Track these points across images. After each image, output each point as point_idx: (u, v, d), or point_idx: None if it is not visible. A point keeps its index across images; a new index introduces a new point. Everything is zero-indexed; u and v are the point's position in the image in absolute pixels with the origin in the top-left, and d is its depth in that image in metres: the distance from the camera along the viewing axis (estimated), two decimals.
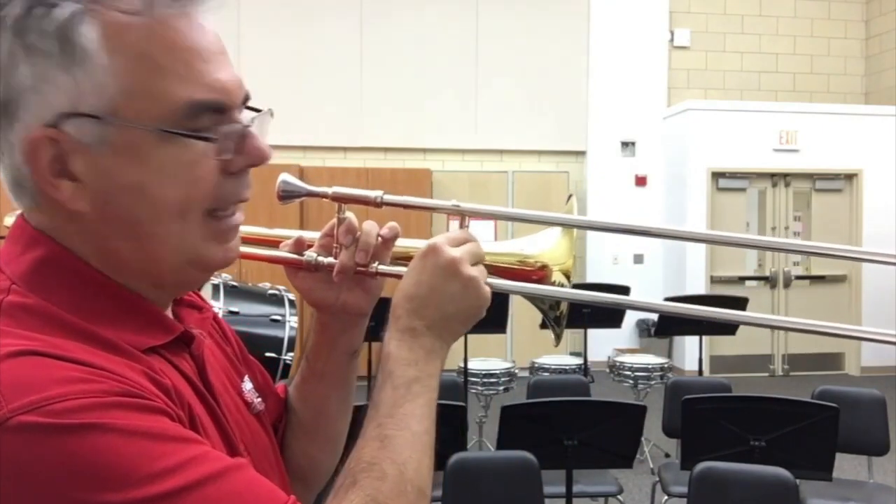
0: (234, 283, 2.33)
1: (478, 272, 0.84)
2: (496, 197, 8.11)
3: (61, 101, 0.67)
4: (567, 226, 0.97)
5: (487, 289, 0.85)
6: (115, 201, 0.69)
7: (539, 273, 0.95)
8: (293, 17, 7.96)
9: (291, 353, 2.19)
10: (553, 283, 0.96)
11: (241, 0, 7.34)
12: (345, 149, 8.18)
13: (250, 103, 0.77)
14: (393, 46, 8.19)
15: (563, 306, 0.98)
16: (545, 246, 0.97)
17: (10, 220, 1.08)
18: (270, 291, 2.34)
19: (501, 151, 8.48)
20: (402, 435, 0.74)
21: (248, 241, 0.97)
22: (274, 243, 0.96)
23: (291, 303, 2.29)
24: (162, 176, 0.69)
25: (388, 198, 0.91)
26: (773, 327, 0.95)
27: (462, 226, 0.91)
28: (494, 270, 0.94)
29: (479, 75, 8.33)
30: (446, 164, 8.31)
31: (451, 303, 0.83)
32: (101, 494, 0.57)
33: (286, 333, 2.21)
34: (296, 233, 0.96)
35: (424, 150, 8.30)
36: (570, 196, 1.05)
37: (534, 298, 0.96)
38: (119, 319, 0.70)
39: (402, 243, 0.95)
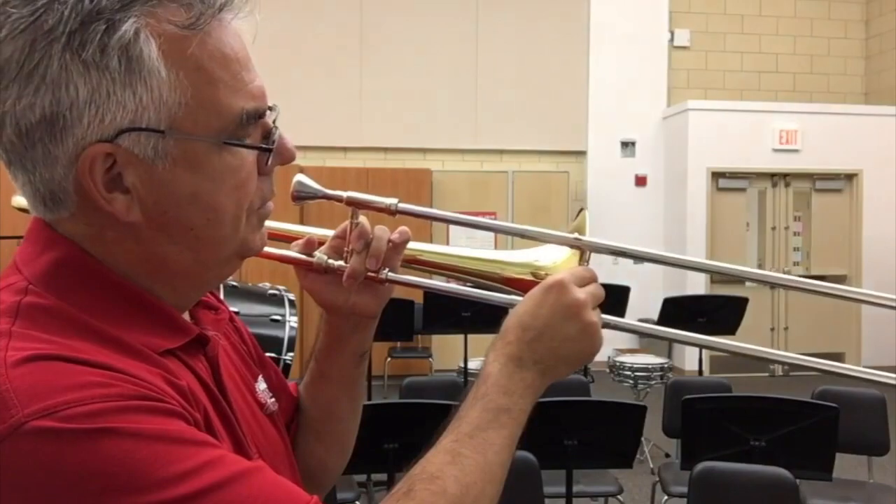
0: (234, 283, 2.33)
1: (597, 317, 0.84)
2: (496, 197, 8.11)
3: (122, 116, 0.66)
4: (666, 264, 0.96)
5: (602, 335, 0.84)
6: (171, 210, 0.70)
7: None
8: (293, 16, 7.96)
9: (291, 353, 2.19)
10: None
11: None
12: (345, 149, 8.18)
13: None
14: (393, 47, 8.19)
15: None
16: (557, 257, 0.94)
17: (17, 201, 1.07)
18: (270, 291, 2.34)
19: (501, 151, 8.48)
20: (476, 459, 0.73)
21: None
22: (285, 237, 0.96)
23: (291, 303, 2.29)
24: (216, 184, 0.71)
25: (404, 206, 0.91)
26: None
27: (582, 262, 0.90)
28: (505, 281, 0.94)
29: (479, 75, 8.34)
30: (446, 164, 8.31)
31: (565, 344, 0.82)
32: (116, 499, 0.56)
33: (286, 333, 2.20)
34: (306, 229, 0.96)
35: (424, 150, 8.30)
36: (580, 210, 1.03)
37: None
38: (135, 322, 0.70)
39: (419, 247, 0.95)
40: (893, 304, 0.88)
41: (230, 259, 0.77)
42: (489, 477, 0.73)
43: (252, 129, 0.73)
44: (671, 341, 0.93)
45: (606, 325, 0.86)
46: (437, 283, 0.94)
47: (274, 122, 0.76)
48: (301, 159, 7.84)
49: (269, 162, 0.75)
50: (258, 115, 0.72)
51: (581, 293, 0.83)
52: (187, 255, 0.73)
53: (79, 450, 0.56)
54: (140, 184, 0.68)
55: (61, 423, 0.56)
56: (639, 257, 0.97)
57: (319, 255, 0.90)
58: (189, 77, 0.67)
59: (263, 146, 0.74)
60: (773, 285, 0.97)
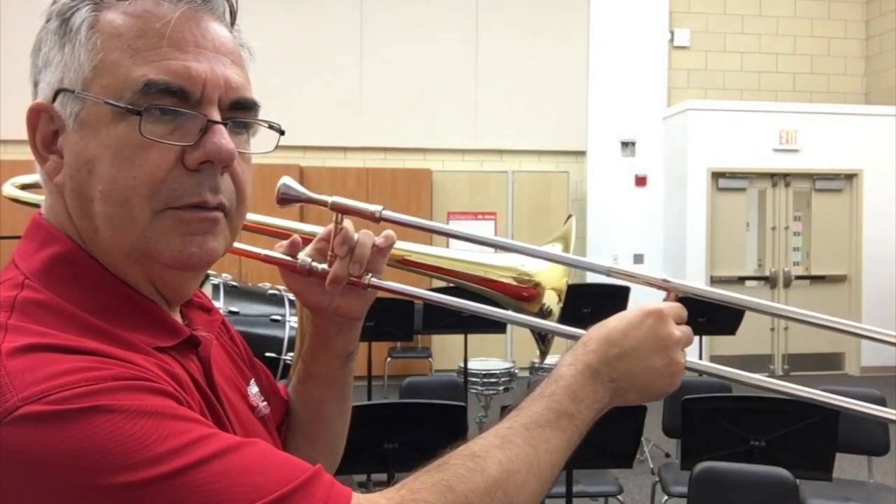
0: (234, 283, 2.33)
1: (683, 359, 0.83)
2: (496, 197, 8.10)
3: (57, 78, 0.71)
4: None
5: (681, 379, 0.83)
6: (76, 176, 0.71)
7: (531, 291, 0.95)
8: (293, 17, 7.96)
9: (291, 353, 2.19)
10: (543, 304, 0.95)
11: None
12: (345, 149, 8.18)
13: (261, 116, 0.78)
14: (393, 47, 8.19)
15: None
16: (544, 264, 0.95)
17: (7, 190, 1.08)
18: (270, 291, 2.34)
19: (501, 151, 8.47)
20: (526, 450, 0.72)
21: (249, 228, 0.97)
22: (273, 233, 0.96)
23: (291, 303, 2.29)
24: (108, 153, 0.69)
25: (388, 214, 0.90)
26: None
27: (669, 298, 0.90)
28: (488, 283, 0.94)
29: (479, 75, 8.33)
30: (446, 164, 8.30)
31: (645, 374, 0.81)
32: (112, 476, 0.56)
33: (286, 333, 2.21)
34: (295, 224, 0.96)
35: (424, 150, 8.29)
36: (569, 217, 1.04)
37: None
38: (129, 319, 0.70)
39: (407, 247, 0.95)
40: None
41: (140, 256, 0.71)
42: (535, 471, 0.72)
43: (158, 103, 0.69)
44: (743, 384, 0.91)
45: (689, 368, 0.85)
46: (419, 290, 0.94)
47: (231, 122, 0.74)
48: (301, 159, 7.86)
49: (191, 154, 0.70)
50: (172, 90, 0.69)
51: (677, 330, 0.82)
52: (99, 236, 0.71)
53: (69, 429, 0.56)
54: (64, 145, 0.71)
55: (52, 405, 0.57)
56: (726, 303, 0.94)
57: (303, 257, 0.89)
58: (105, 42, 0.69)
59: (129, 107, 0.68)
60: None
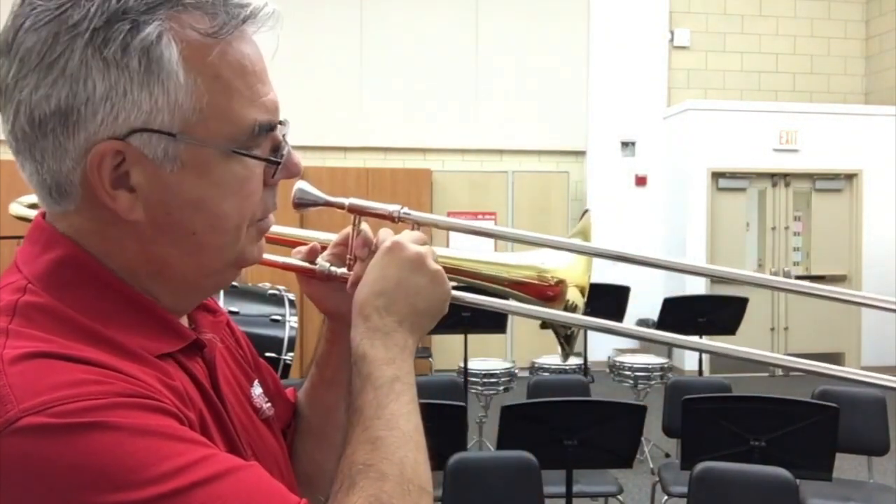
0: (234, 283, 2.32)
1: (439, 267, 0.85)
2: (496, 197, 8.11)
3: (135, 116, 0.66)
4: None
5: (449, 284, 0.85)
6: (174, 213, 0.70)
7: (555, 289, 0.94)
8: (293, 16, 7.95)
9: (291, 353, 2.19)
10: (567, 300, 0.94)
11: None
12: (345, 149, 8.18)
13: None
14: (393, 47, 8.19)
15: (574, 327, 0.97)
16: (564, 261, 0.94)
17: (15, 209, 1.07)
18: (270, 291, 2.34)
19: (501, 151, 8.48)
20: (394, 435, 0.73)
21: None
22: (286, 242, 0.96)
23: (291, 303, 2.29)
24: (222, 191, 0.72)
25: (407, 213, 0.90)
26: (733, 356, 0.94)
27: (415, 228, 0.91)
28: (510, 284, 0.93)
29: (479, 75, 8.33)
30: (446, 164, 8.31)
31: (420, 297, 0.83)
32: (109, 494, 0.56)
33: (286, 333, 2.20)
34: (307, 233, 0.95)
35: (424, 150, 8.30)
36: (585, 211, 1.03)
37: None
38: (132, 324, 0.70)
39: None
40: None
41: (228, 268, 0.77)
42: (413, 445, 0.73)
43: (262, 141, 0.74)
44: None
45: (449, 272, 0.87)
46: None
47: (284, 136, 0.77)
48: (301, 159, 7.84)
49: (276, 175, 0.76)
50: (270, 127, 0.73)
51: (420, 248, 0.84)
52: (187, 260, 0.73)
53: (69, 443, 0.56)
54: (146, 184, 0.68)
55: (54, 418, 0.56)
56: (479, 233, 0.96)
57: (322, 262, 0.90)
58: (206, 84, 0.68)
59: (272, 159, 0.74)
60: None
